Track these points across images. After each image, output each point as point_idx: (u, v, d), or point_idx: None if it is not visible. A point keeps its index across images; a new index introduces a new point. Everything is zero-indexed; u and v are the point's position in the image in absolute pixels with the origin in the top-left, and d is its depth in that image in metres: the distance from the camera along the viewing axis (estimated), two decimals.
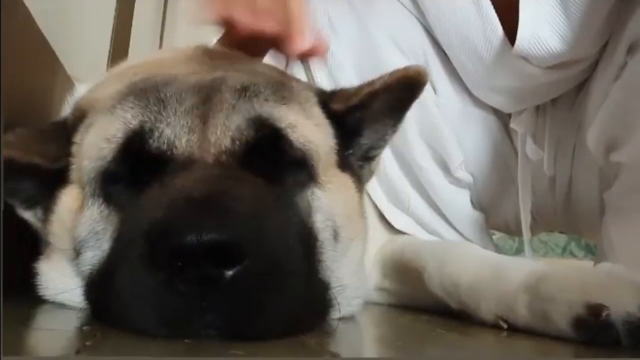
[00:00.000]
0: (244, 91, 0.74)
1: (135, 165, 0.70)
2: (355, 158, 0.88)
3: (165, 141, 0.69)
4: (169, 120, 0.71)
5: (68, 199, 0.76)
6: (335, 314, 0.73)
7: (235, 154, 0.70)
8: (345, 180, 0.83)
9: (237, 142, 0.71)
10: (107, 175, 0.72)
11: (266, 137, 0.72)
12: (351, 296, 0.79)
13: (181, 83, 0.75)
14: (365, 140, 0.89)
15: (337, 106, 0.85)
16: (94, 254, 0.71)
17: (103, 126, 0.74)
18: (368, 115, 0.87)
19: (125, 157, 0.70)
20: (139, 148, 0.70)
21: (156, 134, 0.70)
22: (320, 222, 0.75)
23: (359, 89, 0.85)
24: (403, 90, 0.85)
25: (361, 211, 0.87)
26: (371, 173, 0.93)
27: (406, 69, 0.84)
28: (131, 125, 0.71)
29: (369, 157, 0.90)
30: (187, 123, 0.71)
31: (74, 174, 0.77)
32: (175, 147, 0.69)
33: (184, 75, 0.77)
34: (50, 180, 0.77)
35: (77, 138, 0.78)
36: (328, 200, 0.77)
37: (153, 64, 0.86)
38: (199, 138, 0.70)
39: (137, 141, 0.70)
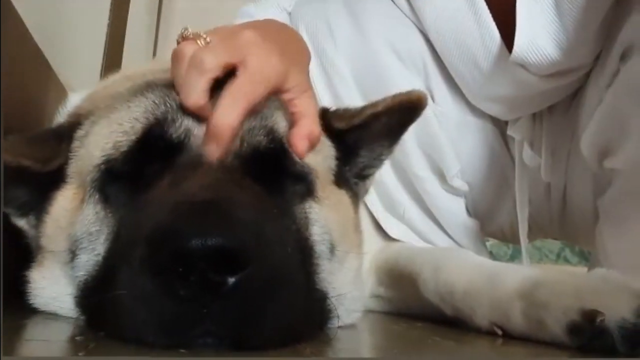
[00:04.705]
0: (269, 102, 0.77)
1: (145, 159, 0.71)
2: (351, 175, 0.90)
3: (184, 131, 0.71)
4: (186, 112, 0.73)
5: (64, 198, 0.77)
6: (334, 324, 0.74)
7: (240, 156, 0.71)
8: (341, 197, 0.85)
9: (245, 145, 0.72)
10: (113, 169, 0.72)
11: (273, 148, 0.74)
12: (350, 306, 0.80)
13: None
14: (362, 159, 0.91)
15: (339, 124, 0.87)
16: (88, 258, 0.71)
17: (118, 117, 0.75)
18: (367, 135, 0.89)
19: (141, 146, 0.71)
20: (156, 137, 0.71)
21: (176, 123, 0.72)
22: (318, 234, 0.76)
23: (362, 109, 0.87)
24: (403, 113, 0.87)
25: (357, 226, 0.88)
26: (366, 190, 0.95)
27: (409, 93, 0.86)
28: (149, 116, 0.73)
29: (364, 176, 0.92)
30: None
31: (72, 171, 0.77)
32: (194, 135, 0.71)
33: None
34: (43, 185, 0.78)
35: (79, 134, 0.78)
36: (325, 214, 0.78)
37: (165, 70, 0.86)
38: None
39: (154, 131, 0.72)
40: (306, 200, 0.77)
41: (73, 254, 0.73)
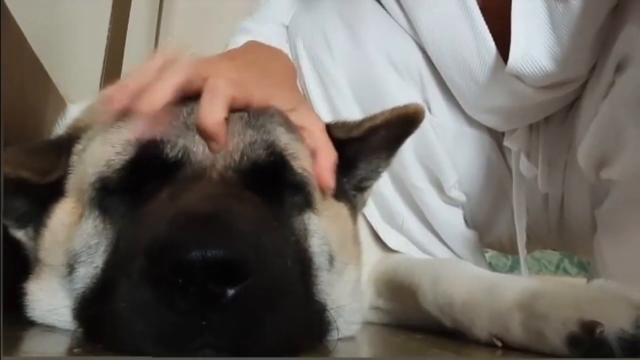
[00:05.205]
0: (263, 111, 0.77)
1: (141, 177, 0.71)
2: (349, 187, 0.90)
3: (181, 149, 0.71)
4: (184, 131, 0.73)
5: (62, 212, 0.76)
6: (333, 336, 0.74)
7: (240, 171, 0.72)
8: (340, 209, 0.85)
9: (245, 159, 0.73)
10: (109, 186, 0.72)
11: (272, 161, 0.74)
12: (349, 318, 0.80)
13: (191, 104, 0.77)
14: (360, 171, 0.92)
15: (338, 134, 0.87)
16: (87, 271, 0.71)
17: (110, 138, 0.75)
18: (366, 148, 0.90)
19: (135, 166, 0.71)
20: (152, 156, 0.71)
21: (171, 143, 0.72)
22: (317, 246, 0.76)
23: (361, 122, 0.88)
24: (401, 126, 0.88)
25: (355, 237, 0.88)
26: (364, 202, 0.96)
27: (406, 106, 0.88)
28: (145, 135, 0.72)
29: (361, 188, 0.93)
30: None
31: (70, 186, 0.77)
32: (193, 152, 0.71)
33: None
34: (42, 197, 0.78)
35: (77, 148, 0.79)
36: (324, 226, 0.78)
37: None
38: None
39: (148, 151, 0.71)
40: (305, 212, 0.77)
41: (71, 268, 0.73)
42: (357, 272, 0.86)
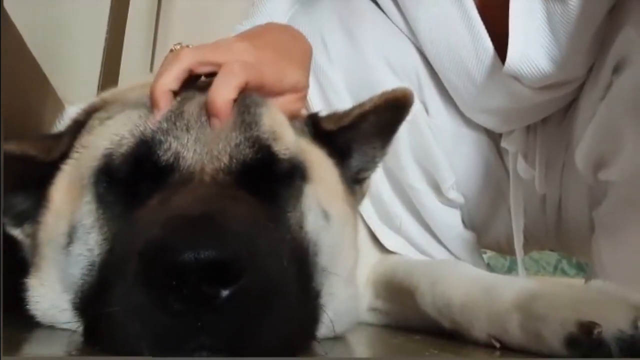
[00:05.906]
0: (249, 103, 0.78)
1: (137, 172, 0.71)
2: (346, 178, 0.89)
3: (173, 153, 0.72)
4: (179, 133, 0.74)
5: (64, 188, 0.77)
6: (329, 332, 0.73)
7: (231, 172, 0.72)
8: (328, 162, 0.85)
9: (234, 161, 0.73)
10: (110, 169, 0.73)
11: (260, 158, 0.74)
12: (344, 313, 0.79)
13: (198, 98, 0.78)
14: (355, 162, 0.91)
15: (328, 126, 0.87)
16: (81, 252, 0.72)
17: (117, 126, 0.76)
18: (358, 136, 0.89)
19: (131, 163, 0.72)
20: (146, 156, 0.72)
21: (165, 145, 0.72)
22: (312, 223, 0.76)
23: (351, 110, 0.88)
24: (391, 111, 0.87)
25: (349, 199, 0.88)
26: (363, 195, 0.95)
27: (394, 90, 0.87)
28: (146, 133, 0.73)
29: (359, 179, 0.92)
30: (194, 137, 0.74)
31: (73, 167, 0.78)
32: (183, 157, 0.72)
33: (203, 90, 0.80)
34: (43, 183, 0.78)
35: (87, 127, 0.80)
36: (318, 194, 0.78)
37: None
38: (202, 152, 0.72)
39: (146, 150, 0.72)
40: (299, 199, 0.76)
41: (70, 239, 0.73)
42: (353, 262, 0.85)
